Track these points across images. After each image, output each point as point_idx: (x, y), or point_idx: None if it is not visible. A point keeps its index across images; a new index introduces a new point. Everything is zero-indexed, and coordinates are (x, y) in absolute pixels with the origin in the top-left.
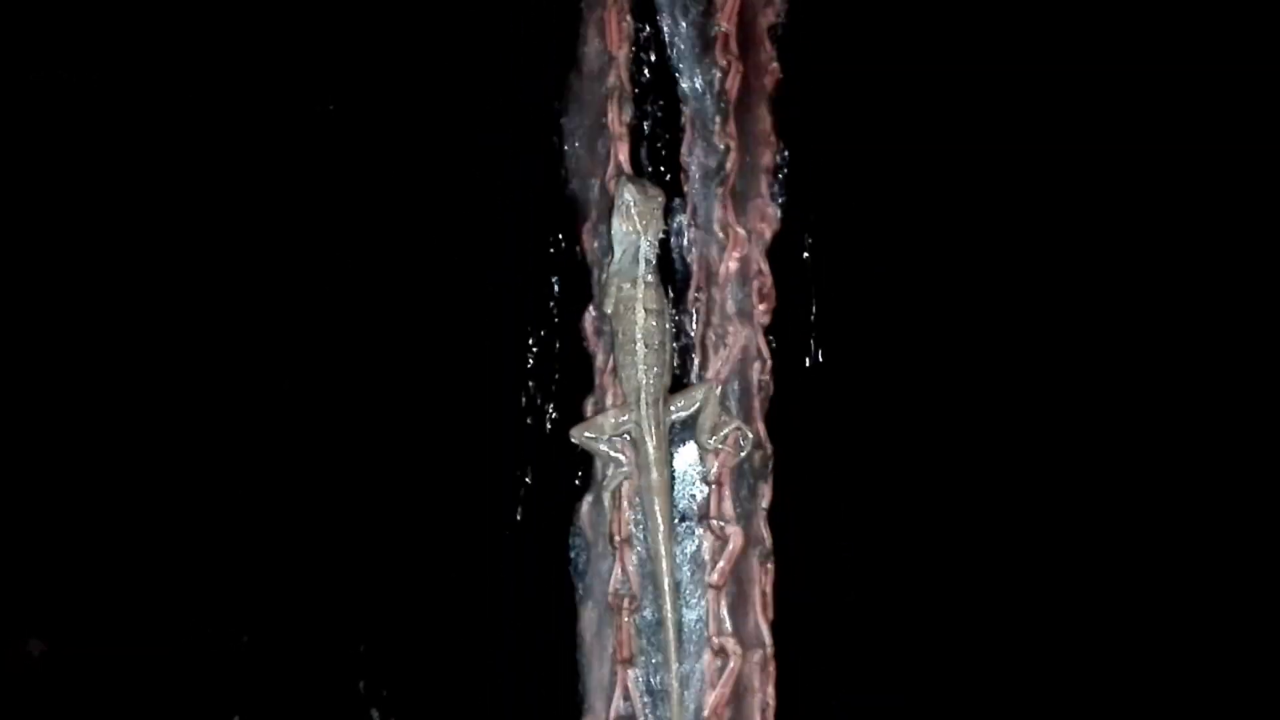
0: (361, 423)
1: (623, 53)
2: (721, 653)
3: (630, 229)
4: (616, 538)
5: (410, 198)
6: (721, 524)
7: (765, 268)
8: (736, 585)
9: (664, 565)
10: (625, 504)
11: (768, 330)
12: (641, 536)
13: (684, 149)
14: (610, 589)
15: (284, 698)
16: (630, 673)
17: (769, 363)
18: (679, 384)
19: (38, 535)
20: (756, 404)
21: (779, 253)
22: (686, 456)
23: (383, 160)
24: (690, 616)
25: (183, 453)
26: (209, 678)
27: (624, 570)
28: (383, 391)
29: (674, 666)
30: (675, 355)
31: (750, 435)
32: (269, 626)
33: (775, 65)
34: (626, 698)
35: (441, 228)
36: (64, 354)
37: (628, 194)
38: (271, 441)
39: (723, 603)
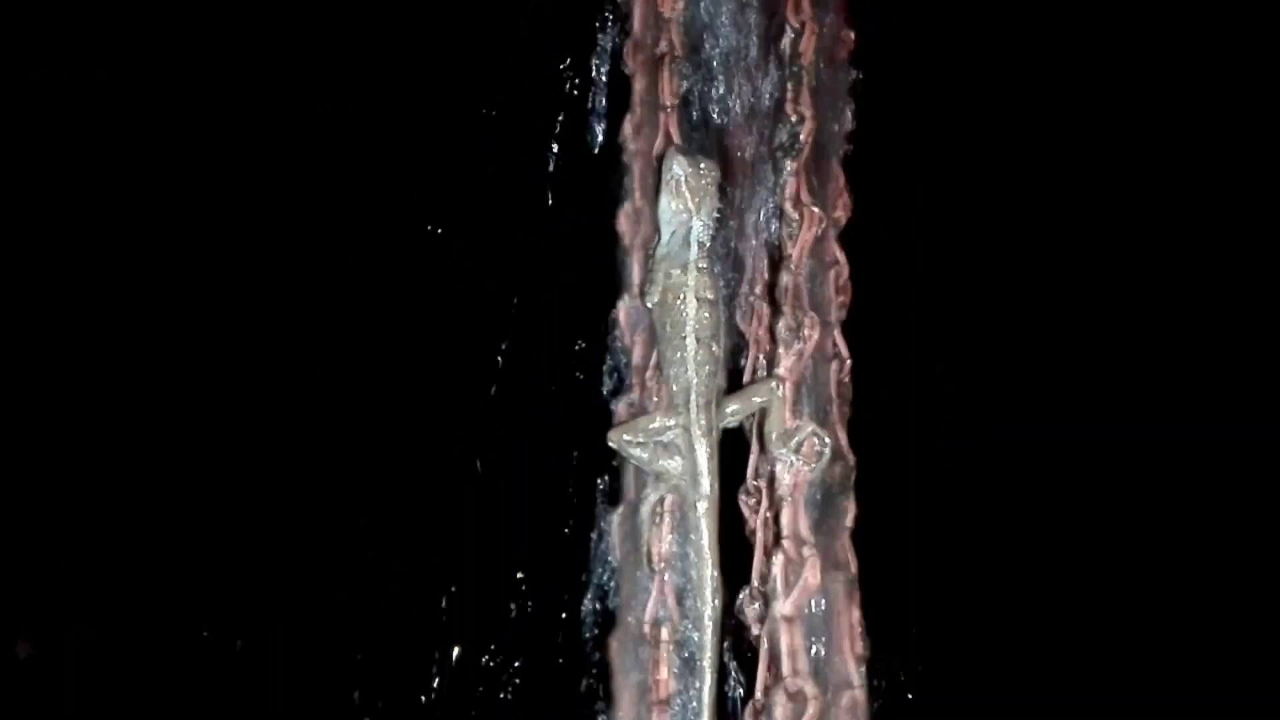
0: (372, 428)
1: (676, 13)
2: (798, 696)
3: (680, 207)
4: (656, 559)
5: (428, 179)
6: (796, 545)
7: (841, 256)
8: (819, 617)
9: (707, 593)
10: (667, 520)
11: (845, 326)
12: (685, 558)
13: (747, 118)
14: (647, 618)
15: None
16: (667, 713)
17: (848, 363)
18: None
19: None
20: (835, 410)
21: (854, 239)
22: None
23: (402, 142)
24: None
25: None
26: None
27: (663, 597)
28: (395, 393)
29: (706, 710)
30: (730, 351)
31: (827, 441)
32: (274, 629)
33: (849, 32)
34: None
35: (465, 213)
36: (79, 355)
37: (677, 167)
38: (281, 444)
39: (797, 637)
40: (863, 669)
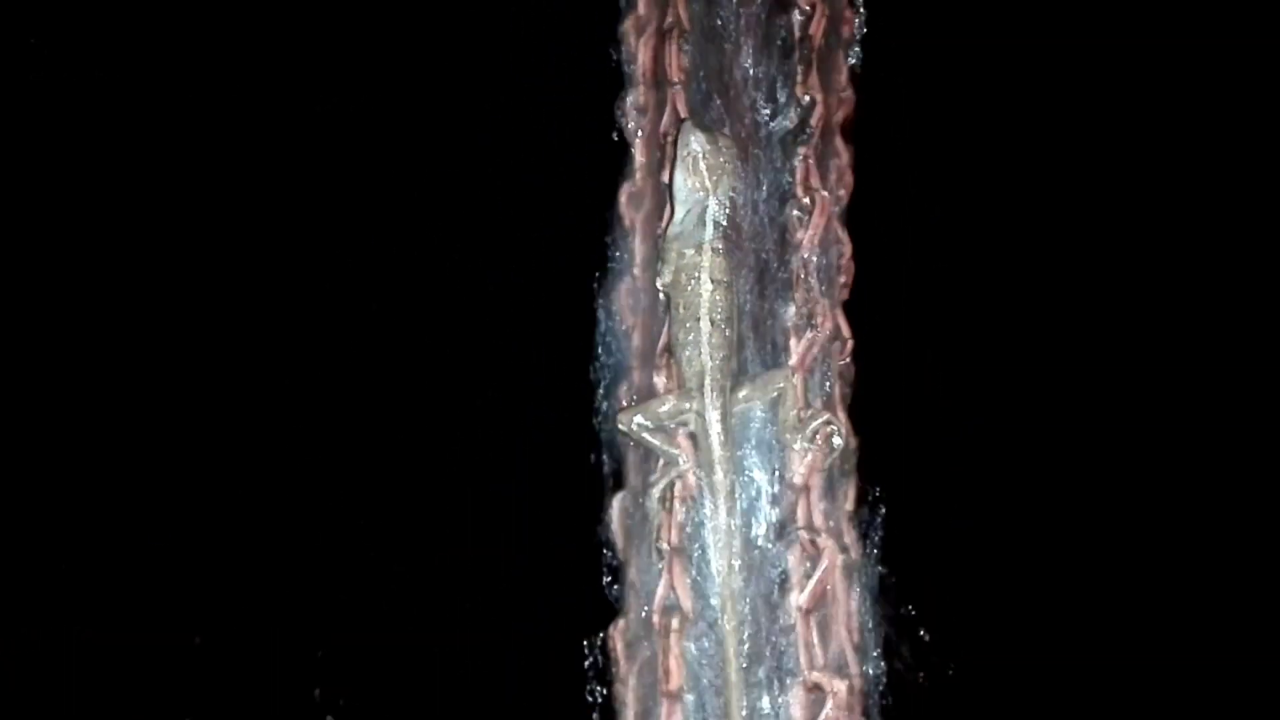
0: (376, 414)
1: None
2: (816, 689)
3: (697, 185)
4: (666, 546)
5: (431, 156)
6: (812, 536)
7: (844, 236)
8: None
9: (728, 583)
10: (677, 506)
11: (847, 307)
12: (697, 547)
13: (755, 100)
14: (656, 606)
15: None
16: (677, 706)
17: (850, 344)
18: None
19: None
20: (837, 391)
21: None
22: (759, 454)
23: (401, 141)
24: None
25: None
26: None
27: (673, 585)
28: (395, 374)
29: (736, 705)
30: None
31: (842, 430)
32: (273, 629)
33: (851, 14)
34: None
35: (465, 193)
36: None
37: (695, 144)
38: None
39: (814, 629)
40: (861, 655)
